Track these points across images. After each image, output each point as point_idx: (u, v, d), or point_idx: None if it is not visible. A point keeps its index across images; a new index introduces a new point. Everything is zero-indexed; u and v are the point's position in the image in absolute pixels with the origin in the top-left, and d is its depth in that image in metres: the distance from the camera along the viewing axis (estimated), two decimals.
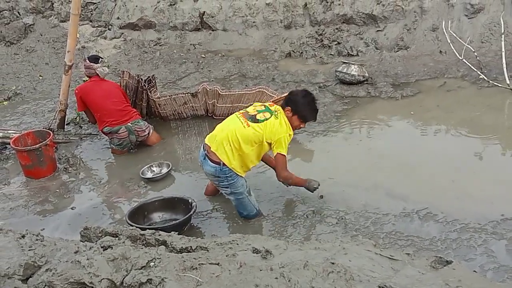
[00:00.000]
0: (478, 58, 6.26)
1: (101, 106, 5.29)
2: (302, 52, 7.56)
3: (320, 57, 7.35)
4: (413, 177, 4.36)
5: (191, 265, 2.11)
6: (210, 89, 5.76)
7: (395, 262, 2.25)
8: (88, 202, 4.60)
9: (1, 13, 9.08)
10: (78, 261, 2.11)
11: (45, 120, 6.30)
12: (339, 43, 7.42)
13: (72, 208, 4.52)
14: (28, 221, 4.33)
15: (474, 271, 2.90)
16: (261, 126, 3.73)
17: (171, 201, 4.18)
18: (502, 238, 3.48)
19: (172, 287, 1.98)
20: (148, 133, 5.47)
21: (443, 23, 6.78)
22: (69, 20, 5.82)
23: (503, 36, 6.30)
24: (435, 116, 5.49)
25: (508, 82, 5.84)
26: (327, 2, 7.64)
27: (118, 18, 8.77)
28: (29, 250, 2.30)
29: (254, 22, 8.06)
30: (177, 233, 2.69)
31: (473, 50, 6.29)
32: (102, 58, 5.62)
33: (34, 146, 5.00)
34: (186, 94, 5.85)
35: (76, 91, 5.38)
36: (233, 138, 3.73)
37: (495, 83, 5.90)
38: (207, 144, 3.86)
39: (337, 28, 7.55)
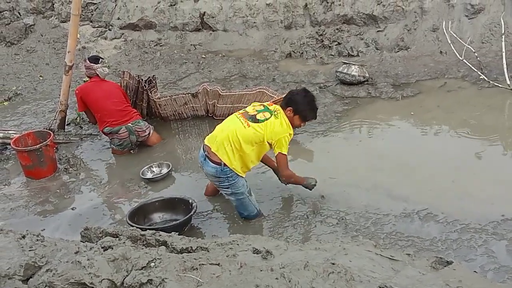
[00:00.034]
0: (478, 58, 6.26)
1: (102, 107, 5.29)
2: (302, 53, 7.56)
3: (321, 58, 7.35)
4: (413, 177, 4.36)
5: (191, 266, 2.11)
6: (210, 90, 5.76)
7: (396, 263, 2.25)
8: (89, 203, 4.60)
9: (2, 13, 9.09)
10: (78, 261, 2.11)
11: (46, 120, 6.31)
12: (339, 44, 7.42)
13: (72, 209, 4.52)
14: (29, 221, 4.33)
15: (475, 271, 2.90)
16: (261, 126, 3.73)
17: (172, 202, 4.19)
18: (502, 239, 3.48)
19: (172, 287, 1.99)
20: (149, 134, 5.48)
21: (444, 23, 6.78)
22: (69, 20, 5.83)
23: (503, 36, 6.30)
24: (435, 116, 5.49)
25: (508, 82, 5.84)
26: (327, 3, 7.64)
27: (118, 18, 8.78)
28: (29, 250, 2.30)
29: (254, 22, 8.06)
30: (177, 233, 2.69)
31: (474, 50, 6.29)
32: (102, 58, 5.63)
33: (35, 146, 5.00)
34: (187, 95, 5.85)
35: (77, 92, 5.38)
36: (233, 138, 3.73)
37: (495, 84, 5.90)
38: (207, 145, 3.86)
39: (337, 29, 7.55)
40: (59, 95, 5.90)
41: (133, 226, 3.46)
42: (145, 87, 5.72)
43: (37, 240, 2.42)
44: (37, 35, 8.89)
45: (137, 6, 8.65)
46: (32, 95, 7.46)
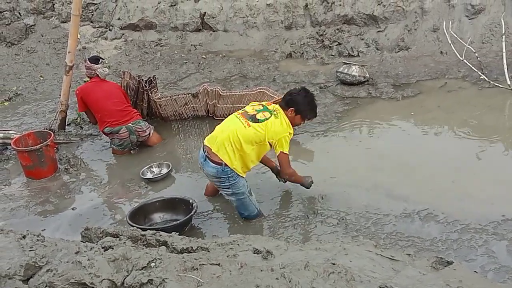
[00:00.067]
0: (479, 58, 6.26)
1: (102, 107, 5.29)
2: (303, 53, 7.56)
3: (321, 58, 7.35)
4: (413, 177, 4.36)
5: (192, 266, 2.11)
6: (211, 90, 5.76)
7: (396, 263, 2.25)
8: (89, 203, 4.60)
9: (2, 13, 9.10)
10: (79, 261, 2.11)
11: (46, 120, 6.30)
12: (340, 44, 7.42)
13: (73, 209, 4.52)
14: (29, 221, 4.33)
15: (475, 271, 2.90)
16: (262, 126, 3.74)
17: (172, 202, 4.19)
18: (503, 239, 3.48)
19: (173, 287, 1.99)
20: (149, 134, 5.48)
21: (444, 23, 6.78)
22: (70, 20, 5.82)
23: (503, 36, 6.31)
24: (435, 116, 5.49)
25: (509, 82, 5.84)
26: (327, 3, 7.64)
27: (119, 19, 8.78)
28: (30, 250, 2.30)
29: (254, 22, 8.06)
30: (178, 233, 2.69)
31: (474, 50, 6.29)
32: (102, 59, 5.63)
33: (35, 146, 5.00)
34: (187, 95, 5.85)
35: (77, 92, 5.38)
36: (234, 138, 3.73)
37: (496, 84, 5.90)
38: (207, 146, 3.85)
39: (338, 29, 7.55)
40: (60, 95, 5.90)
41: (133, 226, 3.46)
42: (146, 87, 5.73)
43: (38, 240, 2.42)
44: (37, 36, 8.89)
45: (137, 7, 8.65)
46: (33, 95, 7.46)
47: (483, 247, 3.43)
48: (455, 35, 6.56)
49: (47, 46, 8.69)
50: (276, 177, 4.30)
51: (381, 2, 7.33)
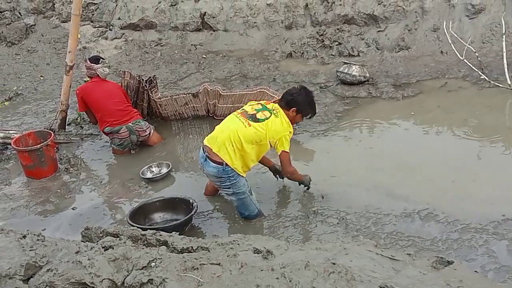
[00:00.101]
0: (479, 58, 6.25)
1: (102, 106, 5.30)
2: (303, 53, 7.56)
3: (321, 58, 7.34)
4: (414, 177, 4.36)
5: (192, 265, 2.11)
6: (211, 90, 5.76)
7: (396, 263, 2.25)
8: (89, 203, 4.60)
9: (2, 13, 9.09)
10: (79, 261, 2.11)
11: (46, 120, 6.31)
12: (340, 44, 7.42)
13: (73, 209, 4.52)
14: (29, 221, 4.33)
15: (475, 271, 2.90)
16: (262, 126, 3.74)
17: (172, 202, 4.19)
18: (503, 239, 3.48)
19: (173, 287, 1.99)
20: (149, 133, 5.48)
21: (444, 23, 6.78)
22: (70, 20, 5.82)
23: (504, 36, 6.30)
24: (436, 116, 5.48)
25: (509, 82, 5.84)
26: (328, 3, 7.64)
27: (119, 18, 8.78)
28: (30, 250, 2.31)
29: (255, 22, 8.06)
30: (178, 233, 2.69)
31: (474, 50, 6.28)
32: (103, 58, 5.64)
33: (35, 146, 5.00)
34: (187, 95, 5.85)
35: (77, 92, 5.39)
36: (235, 138, 3.73)
37: (496, 84, 5.89)
38: (207, 146, 3.85)
39: (338, 29, 7.55)
40: (60, 95, 5.90)
41: (133, 226, 3.46)
42: (146, 87, 5.73)
43: (38, 240, 2.42)
44: (37, 35, 8.88)
45: (137, 6, 8.65)
46: (33, 95, 7.46)
47: (484, 246, 3.43)
48: (455, 35, 6.56)
49: (48, 46, 8.69)
50: (274, 175, 4.30)
51: (382, 2, 7.32)
